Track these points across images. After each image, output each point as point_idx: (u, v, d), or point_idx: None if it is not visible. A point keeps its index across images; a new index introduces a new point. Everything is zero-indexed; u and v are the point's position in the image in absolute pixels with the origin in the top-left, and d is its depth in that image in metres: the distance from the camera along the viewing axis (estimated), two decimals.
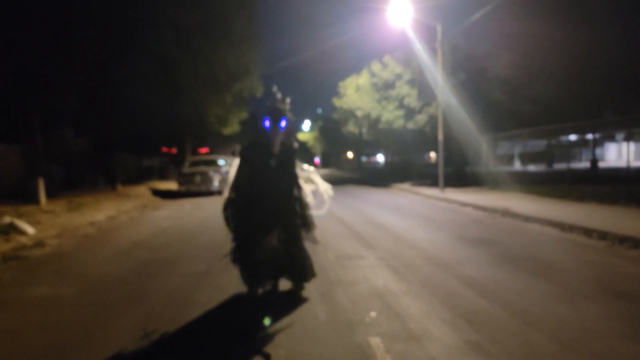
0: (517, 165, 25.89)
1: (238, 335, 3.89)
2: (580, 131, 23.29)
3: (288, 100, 4.66)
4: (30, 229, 9.18)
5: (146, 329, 4.01)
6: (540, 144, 28.83)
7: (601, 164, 25.46)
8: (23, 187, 12.52)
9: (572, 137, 29.89)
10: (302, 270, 4.74)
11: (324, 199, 5.37)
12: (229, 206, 4.65)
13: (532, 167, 24.93)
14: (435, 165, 22.41)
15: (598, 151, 33.76)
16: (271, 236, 4.49)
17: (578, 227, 8.90)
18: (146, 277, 5.98)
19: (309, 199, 4.93)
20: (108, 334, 3.97)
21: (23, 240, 8.60)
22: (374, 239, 8.39)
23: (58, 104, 14.72)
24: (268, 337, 3.78)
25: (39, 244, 8.48)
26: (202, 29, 13.45)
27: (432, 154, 44.58)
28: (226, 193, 4.80)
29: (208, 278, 5.72)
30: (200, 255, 7.19)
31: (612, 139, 36.34)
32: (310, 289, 4.93)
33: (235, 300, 4.81)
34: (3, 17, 10.48)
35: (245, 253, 4.55)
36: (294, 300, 4.70)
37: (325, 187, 5.37)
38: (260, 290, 4.71)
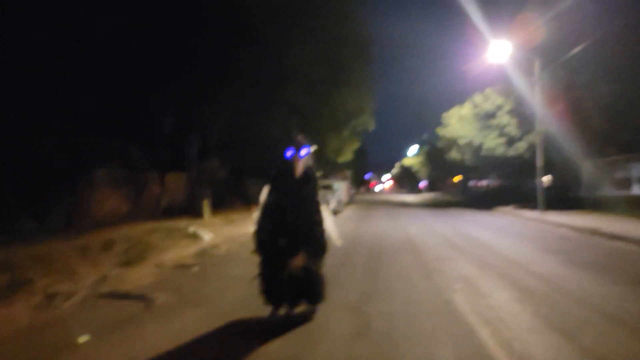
0: (636, 190, 25.40)
1: (366, 284, 6.41)
2: None
3: (314, 147, 5.30)
4: (207, 236, 12.58)
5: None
6: None
7: None
8: (190, 206, 16.35)
9: None
10: (317, 293, 5.18)
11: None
12: (258, 232, 4.96)
13: None
14: (545, 188, 23.03)
15: None
16: (295, 259, 4.77)
17: None
18: None
19: (329, 226, 5.41)
20: None
21: (204, 244, 11.96)
22: (465, 247, 10.51)
23: (208, 140, 18.60)
24: (389, 296, 6.24)
25: (215, 246, 11.76)
26: (327, 79, 16.60)
27: (544, 178, 43.94)
28: (256, 216, 5.07)
29: (345, 266, 8.33)
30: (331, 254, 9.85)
31: None
32: (414, 273, 7.33)
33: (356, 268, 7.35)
34: (169, 76, 13.98)
35: (269, 276, 4.96)
36: (400, 278, 7.12)
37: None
38: (281, 311, 5.11)
